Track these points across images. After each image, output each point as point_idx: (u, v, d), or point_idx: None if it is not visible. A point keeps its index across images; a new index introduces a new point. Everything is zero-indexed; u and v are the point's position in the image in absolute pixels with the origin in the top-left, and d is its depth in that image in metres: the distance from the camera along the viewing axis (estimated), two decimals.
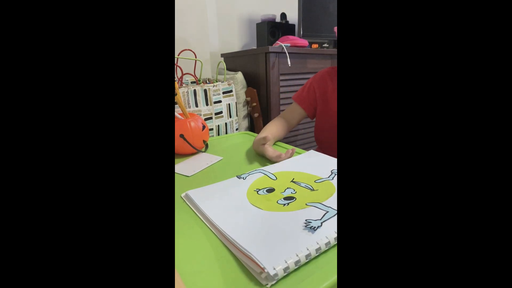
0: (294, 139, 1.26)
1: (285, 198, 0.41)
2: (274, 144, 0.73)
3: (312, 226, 0.33)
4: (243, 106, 1.18)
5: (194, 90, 0.79)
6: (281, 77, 1.16)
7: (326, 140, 0.82)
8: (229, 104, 0.87)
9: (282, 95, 1.18)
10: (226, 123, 0.88)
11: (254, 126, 1.24)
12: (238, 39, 1.54)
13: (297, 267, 0.28)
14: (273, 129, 0.74)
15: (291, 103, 0.95)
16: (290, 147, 0.67)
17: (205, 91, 0.81)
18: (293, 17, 1.45)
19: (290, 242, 0.31)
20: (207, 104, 0.82)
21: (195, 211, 0.41)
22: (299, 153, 0.62)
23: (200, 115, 0.81)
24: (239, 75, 1.19)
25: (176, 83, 0.74)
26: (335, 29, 0.64)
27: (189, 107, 0.80)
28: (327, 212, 0.36)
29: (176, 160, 0.63)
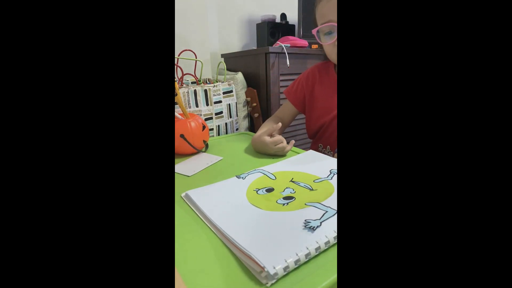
0: (292, 139, 1.26)
1: (285, 198, 0.41)
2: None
3: (311, 226, 0.33)
4: (243, 106, 1.18)
5: (195, 90, 0.80)
6: (281, 78, 1.17)
7: (318, 134, 0.82)
8: (229, 104, 0.87)
9: (282, 96, 1.18)
10: (226, 123, 0.88)
11: (254, 126, 1.24)
12: (238, 40, 1.55)
13: (297, 266, 0.29)
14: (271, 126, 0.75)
15: None
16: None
17: (205, 91, 0.81)
18: (293, 17, 1.45)
19: (290, 242, 0.31)
20: (207, 104, 0.82)
21: (195, 210, 0.41)
22: (298, 153, 0.62)
23: (200, 115, 0.81)
24: (239, 75, 1.19)
25: (176, 83, 0.74)
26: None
27: (190, 107, 0.80)
28: (326, 212, 0.36)
29: (176, 160, 0.63)
